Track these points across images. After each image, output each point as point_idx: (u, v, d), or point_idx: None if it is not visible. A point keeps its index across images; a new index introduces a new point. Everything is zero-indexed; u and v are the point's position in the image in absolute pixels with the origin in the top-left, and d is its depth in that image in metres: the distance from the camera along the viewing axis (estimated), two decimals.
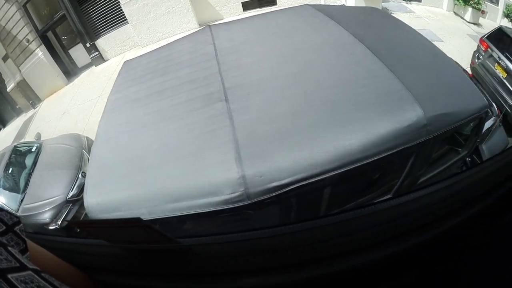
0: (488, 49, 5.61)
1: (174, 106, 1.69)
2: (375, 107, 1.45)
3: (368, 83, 1.56)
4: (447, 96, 1.62)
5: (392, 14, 2.73)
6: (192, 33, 2.51)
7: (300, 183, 1.27)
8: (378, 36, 2.08)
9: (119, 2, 6.49)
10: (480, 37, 5.80)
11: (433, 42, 6.24)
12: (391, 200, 0.82)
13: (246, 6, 6.86)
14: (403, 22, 2.53)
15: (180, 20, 6.53)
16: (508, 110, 4.76)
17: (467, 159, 2.03)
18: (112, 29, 6.95)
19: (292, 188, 1.27)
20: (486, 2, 10.36)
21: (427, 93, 1.54)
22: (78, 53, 7.29)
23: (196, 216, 1.31)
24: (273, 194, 1.26)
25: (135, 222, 0.57)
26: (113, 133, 1.73)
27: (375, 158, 1.33)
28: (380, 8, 7.26)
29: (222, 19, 6.64)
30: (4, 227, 0.50)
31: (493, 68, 5.40)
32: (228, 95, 1.60)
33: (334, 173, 1.29)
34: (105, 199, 1.40)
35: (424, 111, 1.40)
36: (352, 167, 1.30)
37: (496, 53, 5.41)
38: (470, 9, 9.35)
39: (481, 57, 5.73)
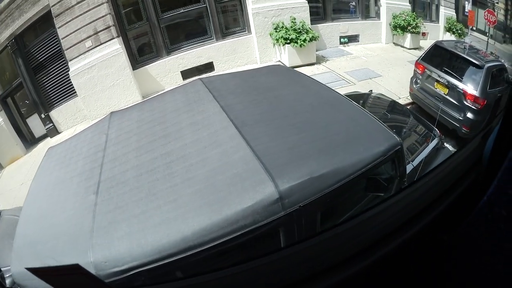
0: (425, 71, 5.47)
1: (66, 197, 1.84)
2: (225, 188, 1.49)
3: (226, 162, 1.62)
4: (340, 148, 1.61)
5: (300, 72, 2.88)
6: (97, 121, 2.64)
7: (139, 268, 1.35)
8: (264, 100, 2.13)
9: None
10: (415, 60, 5.77)
11: (372, 79, 6.69)
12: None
13: (185, 75, 7.18)
14: (305, 76, 2.60)
15: (124, 92, 6.79)
16: (457, 125, 4.74)
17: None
18: (64, 101, 7.26)
19: (136, 272, 1.35)
20: (424, 23, 10.44)
21: (303, 155, 1.55)
22: (36, 122, 7.54)
23: None
24: (118, 278, 1.35)
25: (74, 269, 0.61)
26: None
27: (219, 242, 1.35)
28: (314, 58, 7.52)
29: (163, 89, 6.93)
30: None
31: (433, 88, 5.27)
32: (99, 188, 1.74)
33: (175, 258, 1.36)
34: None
35: (276, 185, 1.38)
36: (191, 252, 1.36)
37: (434, 72, 5.26)
38: (409, 35, 9.48)
39: (418, 81, 5.65)
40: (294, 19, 7.29)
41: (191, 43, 7.38)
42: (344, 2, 9.32)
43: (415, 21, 9.47)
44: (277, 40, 7.15)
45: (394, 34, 9.65)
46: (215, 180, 1.54)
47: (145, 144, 1.97)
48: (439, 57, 5.40)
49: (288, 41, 7.07)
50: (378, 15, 9.52)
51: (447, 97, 4.98)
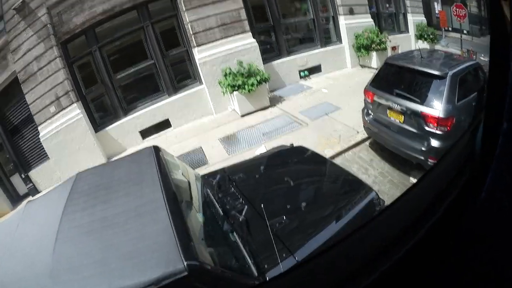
0: (375, 98, 4.57)
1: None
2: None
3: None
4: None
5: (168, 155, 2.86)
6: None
7: None
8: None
9: None
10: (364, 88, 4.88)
11: (329, 114, 6.61)
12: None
13: (144, 134, 7.42)
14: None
15: (90, 155, 7.11)
16: (421, 157, 3.99)
17: None
18: (40, 162, 7.83)
19: None
20: (394, 35, 9.93)
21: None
22: (18, 181, 8.28)
23: None
24: None
25: None
26: None
27: None
28: (267, 102, 7.34)
29: (125, 150, 7.29)
30: None
31: (386, 117, 4.41)
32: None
33: None
34: None
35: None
36: None
37: (385, 98, 4.38)
38: (374, 53, 9.02)
39: (370, 111, 4.80)
40: (241, 62, 7.13)
41: (145, 102, 7.57)
42: (300, 32, 9.11)
43: (378, 37, 9.05)
44: (225, 88, 7.08)
45: (359, 56, 9.24)
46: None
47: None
48: (391, 77, 4.54)
49: (236, 88, 6.99)
50: (339, 39, 9.26)
51: (404, 126, 4.15)
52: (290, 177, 2.85)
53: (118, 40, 7.33)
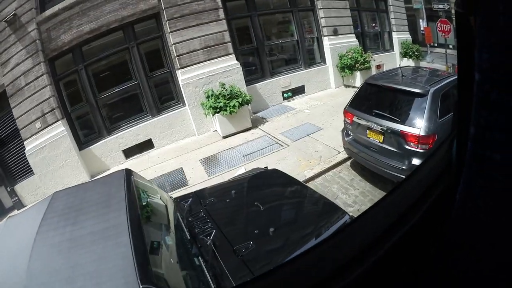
0: (354, 118, 4.60)
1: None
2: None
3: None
4: None
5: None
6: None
7: None
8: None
9: None
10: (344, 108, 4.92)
11: (310, 135, 6.72)
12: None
13: (127, 154, 7.57)
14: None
15: (73, 172, 7.29)
16: (402, 176, 3.93)
17: None
18: (25, 177, 7.97)
19: None
20: (379, 54, 10.23)
21: None
22: (4, 194, 8.41)
23: None
24: None
25: None
26: None
27: None
28: (249, 123, 7.35)
29: (108, 169, 7.44)
30: None
31: (366, 137, 4.42)
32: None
33: None
34: None
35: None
36: None
37: (364, 118, 4.40)
38: (358, 73, 9.20)
39: (350, 132, 4.84)
40: (223, 84, 7.27)
41: (129, 121, 7.73)
42: (284, 54, 9.24)
43: (362, 56, 9.24)
44: (207, 110, 7.21)
45: (343, 76, 9.41)
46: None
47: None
48: (370, 97, 4.55)
49: (218, 110, 7.12)
50: (323, 59, 9.44)
51: (384, 145, 4.13)
52: (260, 201, 2.86)
53: (104, 59, 7.49)
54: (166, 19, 7.38)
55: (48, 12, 7.03)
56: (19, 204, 8.12)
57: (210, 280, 2.14)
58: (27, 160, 7.50)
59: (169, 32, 7.43)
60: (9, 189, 8.10)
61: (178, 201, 3.21)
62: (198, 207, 2.99)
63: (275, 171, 3.79)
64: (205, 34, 7.59)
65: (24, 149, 7.45)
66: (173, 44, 7.46)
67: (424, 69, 5.86)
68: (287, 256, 2.32)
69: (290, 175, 3.68)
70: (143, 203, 2.56)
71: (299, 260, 0.82)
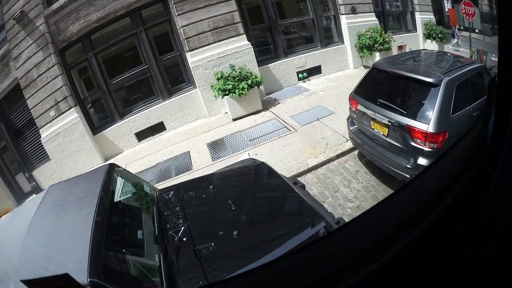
0: (359, 107, 4.10)
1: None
2: None
3: None
4: None
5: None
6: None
7: None
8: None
9: None
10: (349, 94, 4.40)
11: (320, 119, 6.39)
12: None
13: (139, 136, 7.59)
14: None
15: (87, 156, 7.42)
16: (406, 175, 3.51)
17: None
18: (42, 163, 8.19)
19: None
20: (400, 34, 9.60)
21: None
22: (23, 180, 8.70)
23: None
24: None
25: (63, 280, 0.64)
26: None
27: None
28: (259, 105, 7.14)
29: (122, 152, 7.53)
30: None
31: (370, 129, 3.95)
32: None
33: None
34: None
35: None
36: None
37: (368, 108, 3.91)
38: (377, 54, 8.70)
39: (354, 121, 4.37)
40: (233, 66, 7.07)
41: (140, 105, 7.74)
42: (299, 33, 8.87)
43: (382, 36, 8.69)
44: (216, 92, 7.02)
45: (361, 56, 8.90)
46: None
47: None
48: (376, 84, 4.03)
49: (227, 92, 6.92)
50: (341, 39, 8.96)
51: (388, 139, 3.65)
52: (233, 200, 2.76)
53: (113, 46, 7.48)
54: (173, 3, 7.24)
55: (55, 6, 7.10)
56: (37, 189, 8.34)
57: (163, 279, 2.14)
58: (43, 147, 7.69)
59: (177, 15, 7.28)
60: (27, 175, 8.36)
61: (161, 194, 3.14)
62: (176, 201, 2.93)
63: (262, 166, 3.53)
64: (214, 15, 7.37)
65: (40, 137, 7.66)
66: (181, 27, 7.31)
67: (441, 54, 5.23)
68: (243, 263, 2.21)
69: (276, 171, 3.38)
70: (119, 199, 2.63)
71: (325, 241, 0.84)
